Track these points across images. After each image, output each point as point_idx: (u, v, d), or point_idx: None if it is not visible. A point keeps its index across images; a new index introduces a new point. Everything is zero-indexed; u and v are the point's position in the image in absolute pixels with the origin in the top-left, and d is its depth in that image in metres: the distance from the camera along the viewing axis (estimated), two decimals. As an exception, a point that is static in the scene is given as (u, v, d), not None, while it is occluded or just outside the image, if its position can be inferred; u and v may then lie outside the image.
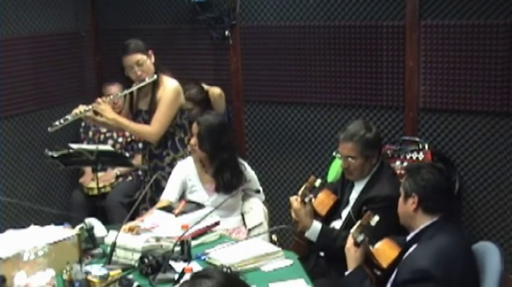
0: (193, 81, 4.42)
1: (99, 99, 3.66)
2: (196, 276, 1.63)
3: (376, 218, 2.61)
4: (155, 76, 3.67)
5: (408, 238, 2.64)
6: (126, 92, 3.74)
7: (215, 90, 4.49)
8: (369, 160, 3.08)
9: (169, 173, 3.62)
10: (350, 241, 2.64)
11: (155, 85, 3.69)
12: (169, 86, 3.68)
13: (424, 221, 2.57)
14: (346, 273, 2.63)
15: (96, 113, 3.70)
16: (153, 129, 3.65)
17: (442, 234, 2.50)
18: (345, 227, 3.10)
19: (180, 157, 3.71)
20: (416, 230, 2.60)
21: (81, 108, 3.63)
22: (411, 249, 2.56)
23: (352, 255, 2.63)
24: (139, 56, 3.64)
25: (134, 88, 3.70)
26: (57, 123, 3.60)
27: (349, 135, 3.08)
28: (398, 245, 2.63)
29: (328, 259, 3.14)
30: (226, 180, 3.37)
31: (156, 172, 3.73)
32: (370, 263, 2.67)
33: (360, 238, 2.61)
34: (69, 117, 3.60)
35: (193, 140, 3.40)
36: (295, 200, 3.02)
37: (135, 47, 3.65)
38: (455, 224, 2.66)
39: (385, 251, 2.64)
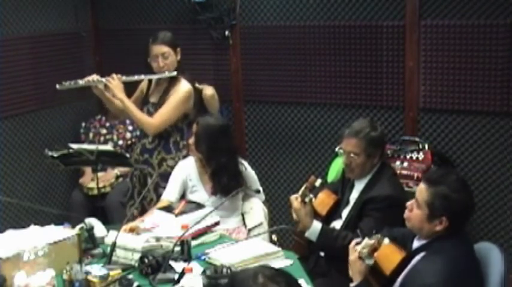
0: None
1: (113, 75, 3.67)
2: (267, 277, 1.64)
3: (386, 241, 2.53)
4: (175, 72, 3.71)
5: (415, 246, 2.56)
6: (144, 77, 3.76)
7: (207, 92, 4.48)
8: (371, 159, 3.08)
9: (161, 173, 3.66)
10: (354, 255, 2.56)
11: (171, 82, 3.73)
12: (183, 87, 3.72)
13: (437, 234, 2.47)
14: (352, 285, 2.56)
15: (106, 88, 3.72)
16: (154, 121, 3.67)
17: (451, 247, 2.42)
18: (345, 227, 3.10)
19: (170, 158, 3.73)
20: (426, 240, 2.51)
21: (95, 77, 3.65)
22: (418, 258, 2.48)
23: (358, 268, 2.54)
24: (167, 49, 3.69)
25: (151, 76, 3.75)
26: (66, 83, 3.61)
27: (354, 131, 3.08)
28: (401, 249, 2.56)
29: (328, 259, 3.13)
30: (223, 184, 3.35)
31: (144, 166, 3.75)
32: (371, 270, 2.58)
33: (370, 262, 2.52)
34: (80, 81, 3.62)
35: (191, 140, 3.40)
36: (295, 200, 3.02)
37: (165, 38, 3.71)
38: (463, 233, 2.55)
39: (387, 256, 2.54)
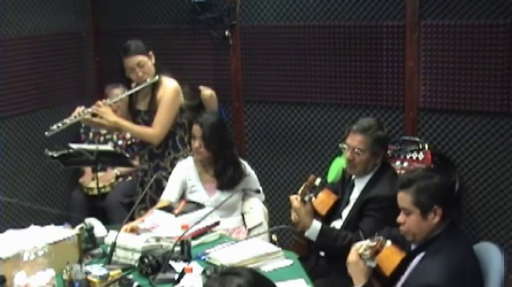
0: (188, 84, 4.40)
1: (99, 102, 3.63)
2: (225, 273, 1.63)
3: (389, 243, 2.54)
4: (157, 77, 3.65)
5: (413, 246, 2.57)
6: (127, 93, 3.72)
7: (206, 92, 4.48)
8: (374, 157, 3.08)
9: (171, 172, 3.63)
10: (355, 255, 2.54)
11: (155, 86, 3.68)
12: (169, 86, 3.68)
13: (437, 229, 2.49)
14: None
15: (94, 115, 3.67)
16: (155, 131, 3.64)
17: (449, 244, 2.44)
18: (345, 227, 3.10)
19: (181, 156, 3.71)
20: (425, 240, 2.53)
21: (79, 110, 3.60)
22: (418, 258, 2.50)
23: (360, 269, 2.53)
24: (141, 58, 3.62)
25: (135, 89, 3.68)
26: (54, 127, 3.57)
27: (362, 128, 3.08)
28: (401, 250, 2.57)
29: (329, 258, 3.13)
30: (230, 176, 3.38)
31: (158, 171, 3.72)
32: (372, 271, 2.57)
33: (372, 265, 2.52)
34: (67, 120, 3.58)
35: (198, 143, 3.36)
36: (295, 199, 3.01)
37: (136, 48, 3.63)
38: (460, 231, 2.59)
39: (388, 257, 2.55)
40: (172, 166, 3.67)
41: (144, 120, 3.72)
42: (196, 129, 3.37)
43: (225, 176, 3.38)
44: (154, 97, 3.67)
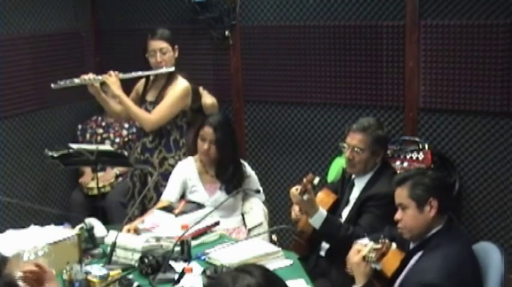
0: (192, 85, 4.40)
1: (110, 72, 3.68)
2: (239, 270, 1.64)
3: (394, 246, 2.55)
4: (173, 68, 3.72)
5: (412, 245, 2.59)
6: (140, 73, 3.77)
7: (208, 101, 4.45)
8: (374, 157, 3.08)
9: (163, 173, 3.66)
10: (358, 256, 2.54)
11: (168, 80, 3.74)
12: (180, 84, 3.74)
13: (435, 226, 2.50)
14: None
15: (102, 86, 3.73)
16: (152, 117, 3.68)
17: (447, 242, 2.45)
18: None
19: (171, 157, 3.72)
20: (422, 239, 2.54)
21: (91, 75, 3.65)
22: (416, 257, 2.51)
23: (362, 270, 2.53)
24: (165, 45, 3.72)
25: (149, 73, 3.76)
26: (62, 82, 3.61)
27: (361, 127, 3.09)
28: (401, 250, 2.57)
29: (329, 259, 3.13)
30: (238, 179, 3.41)
31: (146, 165, 3.75)
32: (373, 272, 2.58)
33: (378, 267, 2.52)
34: (76, 79, 3.62)
35: (207, 145, 3.35)
36: (294, 191, 2.97)
37: (164, 34, 3.74)
38: (458, 229, 2.61)
39: (388, 258, 2.55)
40: (161, 164, 3.72)
41: (147, 110, 3.76)
42: (208, 132, 3.35)
43: (235, 180, 3.40)
44: (163, 90, 3.73)
